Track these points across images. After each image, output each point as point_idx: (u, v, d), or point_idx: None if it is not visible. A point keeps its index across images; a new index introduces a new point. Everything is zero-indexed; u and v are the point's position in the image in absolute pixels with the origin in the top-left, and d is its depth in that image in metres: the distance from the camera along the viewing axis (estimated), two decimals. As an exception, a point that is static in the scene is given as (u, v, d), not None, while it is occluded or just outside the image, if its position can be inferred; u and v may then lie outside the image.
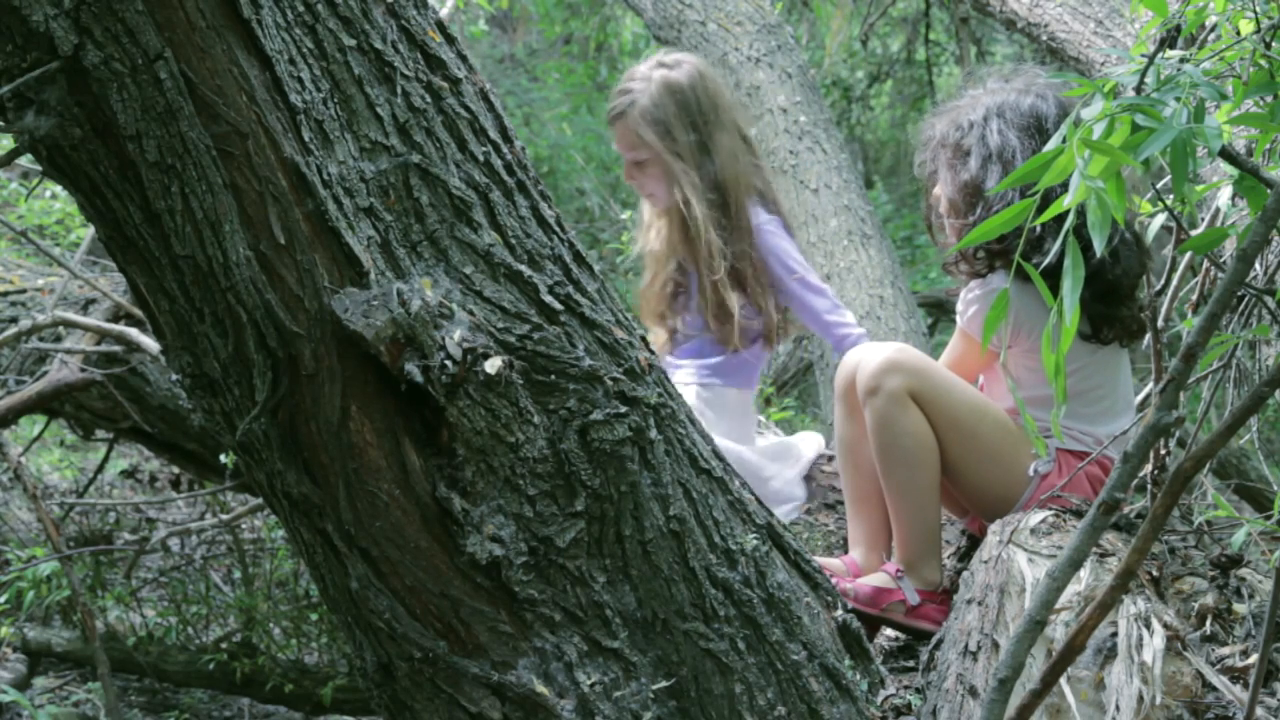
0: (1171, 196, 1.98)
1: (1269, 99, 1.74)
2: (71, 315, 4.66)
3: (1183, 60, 1.78)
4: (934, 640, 2.44)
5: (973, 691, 2.13)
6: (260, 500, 3.50)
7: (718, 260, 3.11)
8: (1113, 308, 2.62)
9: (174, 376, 2.11)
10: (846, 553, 2.89)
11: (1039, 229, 2.36)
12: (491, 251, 2.09)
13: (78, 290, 5.07)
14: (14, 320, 5.03)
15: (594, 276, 2.22)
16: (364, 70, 2.02)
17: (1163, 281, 2.51)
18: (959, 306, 2.74)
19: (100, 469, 6.48)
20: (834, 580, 2.48)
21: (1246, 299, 2.62)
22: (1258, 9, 1.84)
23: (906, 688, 2.39)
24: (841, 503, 3.14)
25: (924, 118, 2.91)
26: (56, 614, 5.62)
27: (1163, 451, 2.59)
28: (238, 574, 6.00)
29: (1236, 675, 2.10)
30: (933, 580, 2.63)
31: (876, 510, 2.78)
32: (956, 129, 2.73)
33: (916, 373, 2.57)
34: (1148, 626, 2.11)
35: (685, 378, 3.25)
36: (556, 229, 2.18)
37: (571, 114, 10.44)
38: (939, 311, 7.11)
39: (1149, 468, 2.56)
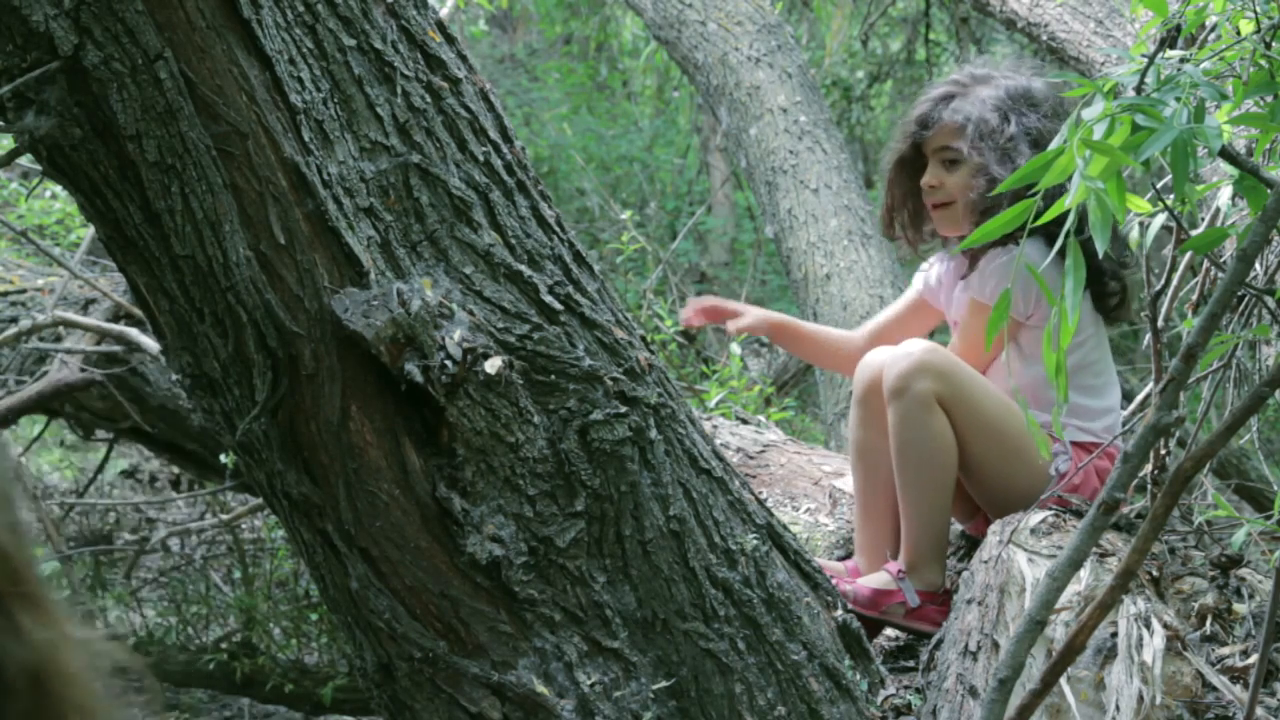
0: (1171, 196, 1.98)
1: (1269, 99, 1.74)
2: (71, 315, 4.67)
3: (1183, 60, 1.78)
4: (934, 640, 2.44)
5: (973, 691, 2.13)
6: (260, 500, 3.50)
7: None
8: (1097, 282, 2.64)
9: (174, 376, 2.11)
10: (848, 556, 2.89)
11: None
12: (491, 251, 2.09)
13: (78, 290, 5.07)
14: (14, 320, 5.03)
15: (594, 276, 2.22)
16: (364, 70, 2.02)
17: (1163, 281, 2.51)
18: (973, 280, 2.68)
19: (100, 469, 6.48)
20: (834, 581, 2.47)
21: (1246, 299, 2.62)
22: (1258, 9, 1.84)
23: (906, 688, 2.38)
24: (842, 503, 3.14)
25: (932, 98, 2.77)
26: (56, 614, 5.61)
27: (1163, 451, 2.59)
28: (238, 574, 6.00)
29: (1236, 675, 2.10)
30: (934, 582, 2.62)
31: (887, 521, 2.73)
32: (999, 116, 2.65)
33: (946, 376, 2.54)
34: (1148, 626, 2.11)
35: None
36: (556, 229, 2.18)
37: (571, 114, 10.44)
38: (939, 311, 7.09)
39: (1149, 468, 2.56)
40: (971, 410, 2.56)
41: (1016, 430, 2.58)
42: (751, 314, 2.44)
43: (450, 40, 2.14)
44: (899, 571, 2.62)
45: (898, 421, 2.57)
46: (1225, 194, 2.22)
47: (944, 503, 2.61)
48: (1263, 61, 1.76)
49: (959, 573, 2.58)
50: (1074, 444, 2.67)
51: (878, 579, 2.64)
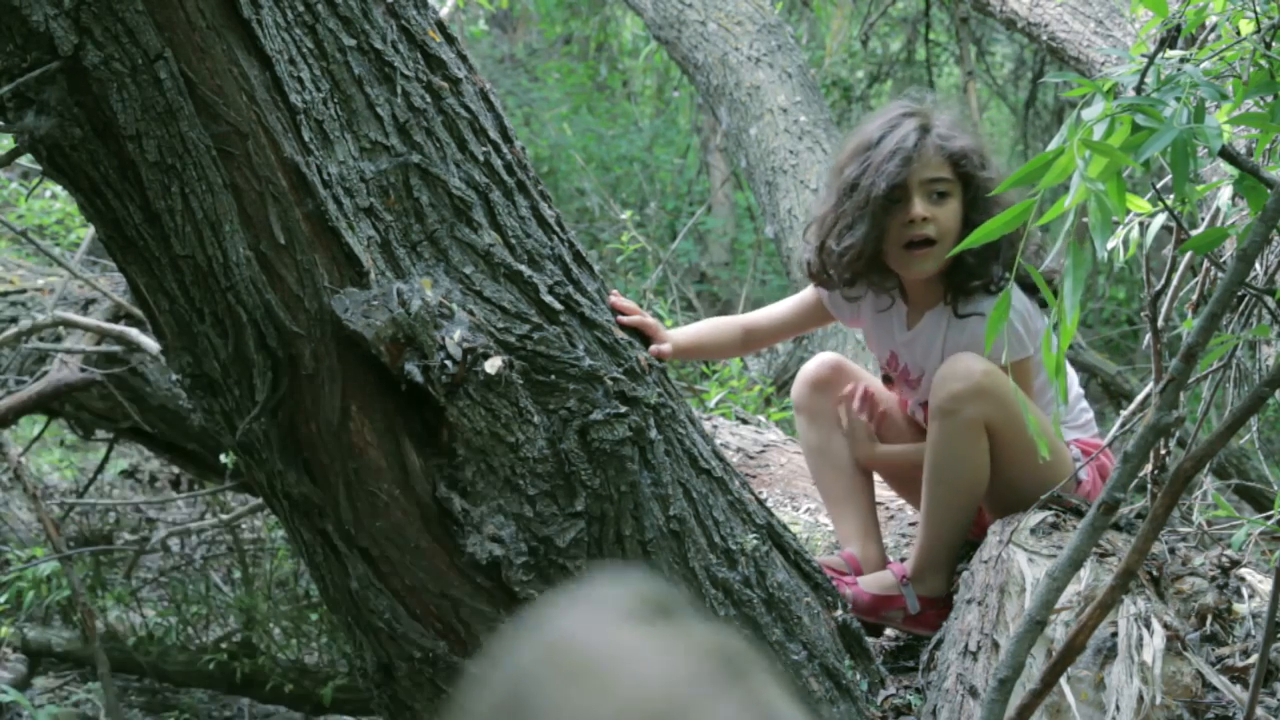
0: (1171, 196, 1.98)
1: (1269, 99, 1.74)
2: (71, 315, 4.67)
3: (1183, 60, 1.78)
4: (934, 640, 2.44)
5: (973, 691, 2.13)
6: (260, 500, 3.50)
7: None
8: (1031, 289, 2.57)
9: (174, 376, 2.11)
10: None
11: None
12: (491, 251, 2.09)
13: (78, 290, 5.07)
14: (14, 320, 5.03)
15: (594, 276, 2.22)
16: (364, 70, 2.02)
17: (1163, 281, 2.51)
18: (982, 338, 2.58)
19: (100, 469, 6.48)
20: (835, 583, 2.47)
21: (1246, 299, 2.62)
22: (1258, 9, 1.84)
23: (906, 688, 2.39)
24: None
25: (910, 130, 2.59)
26: (56, 614, 5.63)
27: (1163, 451, 2.59)
28: (238, 574, 6.00)
29: (1236, 675, 2.10)
30: (937, 589, 2.62)
31: (862, 501, 2.81)
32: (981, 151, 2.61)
33: (1001, 402, 2.47)
34: (1148, 626, 2.11)
35: None
36: (556, 229, 2.18)
37: (571, 114, 10.44)
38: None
39: (1149, 468, 2.56)
40: (1017, 434, 2.50)
41: (1059, 452, 2.57)
42: (669, 342, 2.38)
43: (450, 40, 2.14)
44: (903, 577, 2.62)
45: (940, 440, 2.53)
46: (1225, 194, 2.22)
47: (966, 521, 2.60)
48: (1263, 61, 1.76)
49: (959, 573, 2.58)
50: (1081, 444, 2.67)
51: (881, 582, 2.63)
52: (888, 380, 2.85)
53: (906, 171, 2.53)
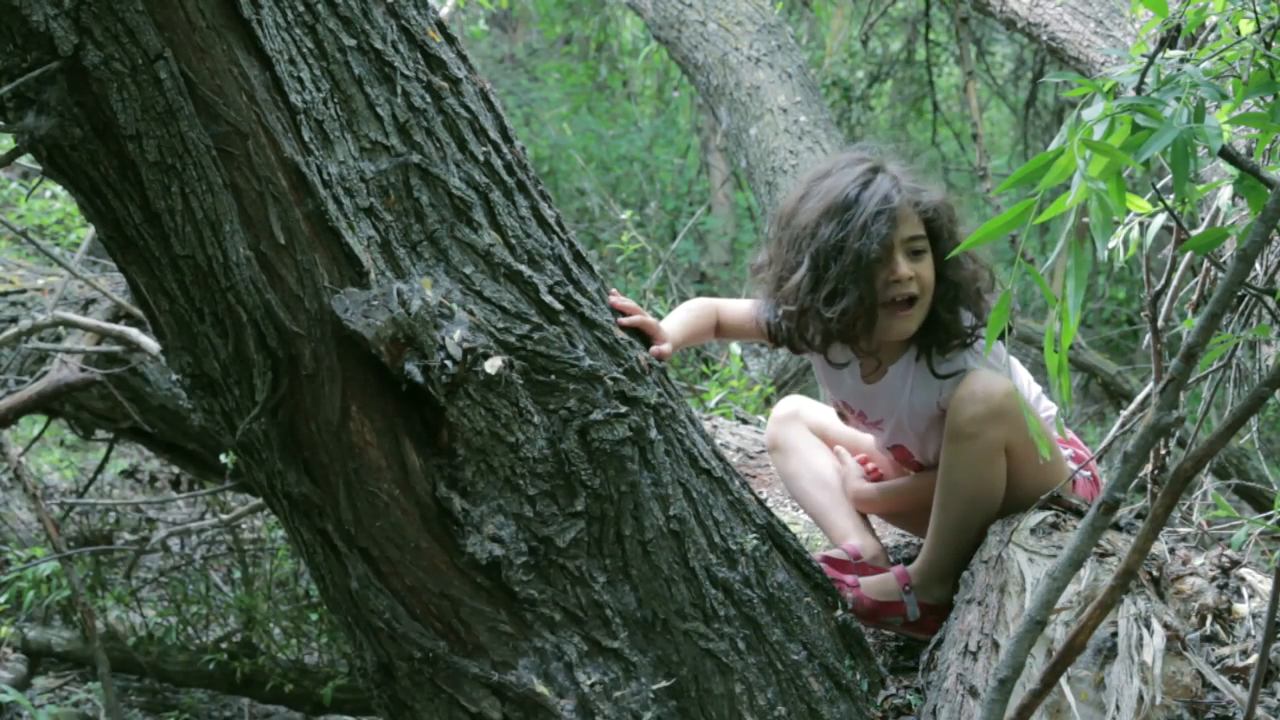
0: (1171, 196, 1.98)
1: (1269, 99, 1.74)
2: (71, 315, 4.67)
3: (1183, 60, 1.78)
4: (934, 640, 2.44)
5: (973, 691, 2.13)
6: (260, 500, 3.50)
7: None
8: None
9: (174, 376, 2.11)
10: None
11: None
12: (491, 251, 2.09)
13: (78, 290, 5.07)
14: (14, 320, 5.03)
15: (594, 276, 2.23)
16: (364, 70, 2.02)
17: (1163, 281, 2.51)
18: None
19: (100, 469, 6.48)
20: (836, 584, 2.47)
21: (1246, 299, 2.62)
22: (1258, 9, 1.84)
23: (906, 687, 2.39)
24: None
25: (892, 189, 2.53)
26: (56, 614, 5.63)
27: (1163, 451, 2.59)
28: (238, 574, 6.00)
29: (1236, 675, 2.10)
30: (939, 597, 2.62)
31: (845, 505, 2.85)
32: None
33: (1017, 423, 2.46)
34: (1148, 626, 2.11)
35: None
36: (556, 229, 2.18)
37: (571, 114, 10.45)
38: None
39: (1149, 468, 2.56)
40: (1029, 450, 2.49)
41: (1058, 455, 2.58)
42: (669, 341, 2.39)
43: (450, 40, 2.14)
44: (906, 585, 2.61)
45: (958, 461, 2.52)
46: (1225, 194, 2.22)
47: (975, 535, 2.59)
48: (1263, 61, 1.76)
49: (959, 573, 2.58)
50: (1075, 444, 2.68)
51: (883, 587, 2.62)
52: (843, 416, 2.87)
53: (893, 231, 2.49)
